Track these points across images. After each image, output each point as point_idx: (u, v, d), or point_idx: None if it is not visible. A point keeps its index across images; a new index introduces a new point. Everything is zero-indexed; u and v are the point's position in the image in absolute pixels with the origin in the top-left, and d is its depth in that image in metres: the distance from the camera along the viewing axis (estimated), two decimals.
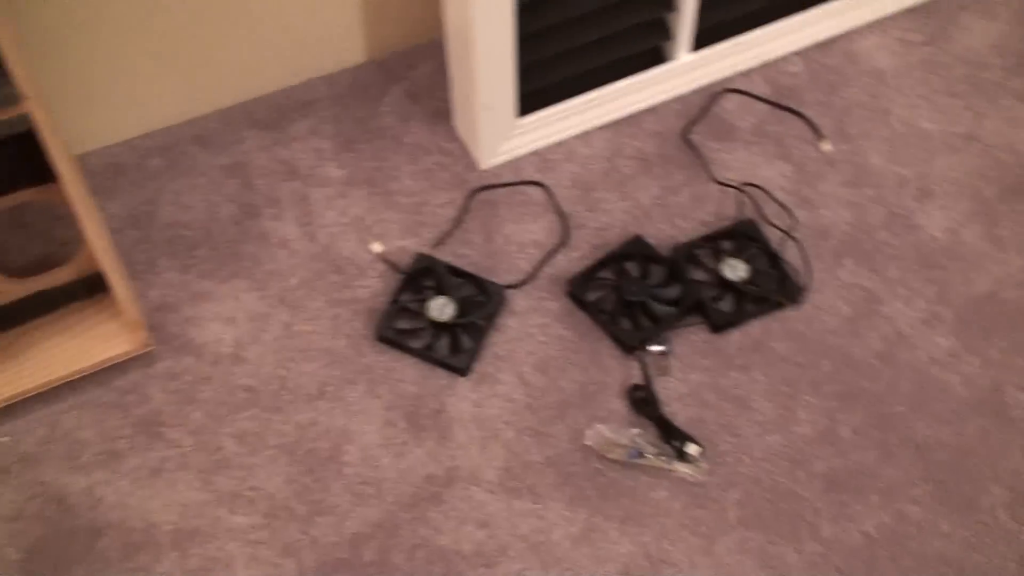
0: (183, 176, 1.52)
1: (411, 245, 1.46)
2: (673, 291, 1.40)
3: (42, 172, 1.26)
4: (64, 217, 1.49)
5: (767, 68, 1.63)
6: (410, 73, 1.64)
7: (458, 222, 1.48)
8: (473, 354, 1.35)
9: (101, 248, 1.25)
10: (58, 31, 1.37)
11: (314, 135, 1.57)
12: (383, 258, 1.45)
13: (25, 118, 1.09)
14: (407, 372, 1.34)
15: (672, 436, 1.28)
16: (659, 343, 1.36)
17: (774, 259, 1.43)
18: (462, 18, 1.34)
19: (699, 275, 1.42)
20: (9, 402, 1.30)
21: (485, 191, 1.51)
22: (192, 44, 1.46)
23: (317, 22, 1.52)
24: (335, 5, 1.51)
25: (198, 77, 1.52)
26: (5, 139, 1.20)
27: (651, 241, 1.44)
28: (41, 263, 1.44)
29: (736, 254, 1.42)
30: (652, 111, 1.60)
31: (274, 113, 1.59)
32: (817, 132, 1.56)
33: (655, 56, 1.58)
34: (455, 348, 1.36)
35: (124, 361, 1.35)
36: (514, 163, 1.53)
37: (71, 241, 1.46)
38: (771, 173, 1.52)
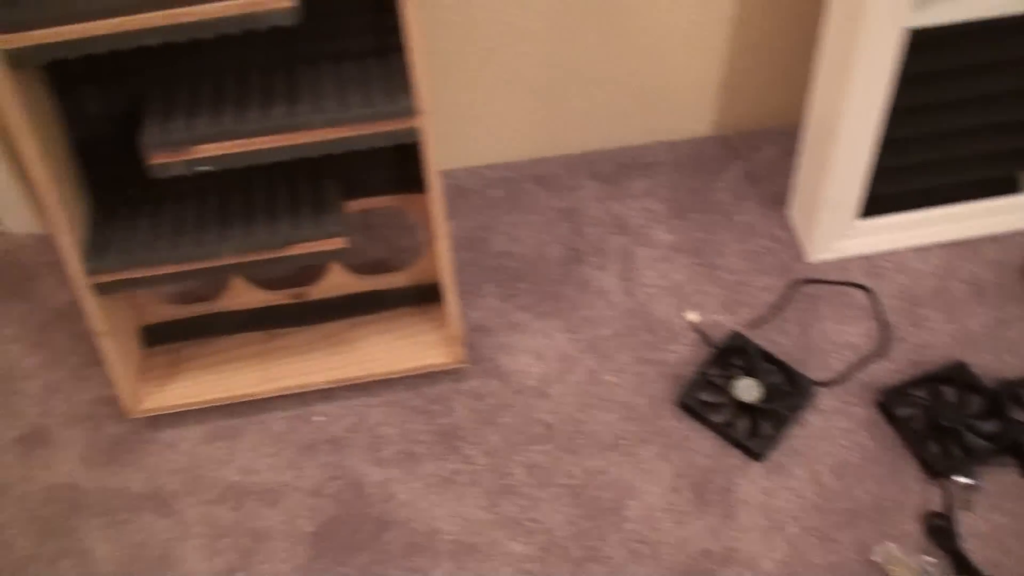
0: (519, 211, 1.59)
1: (726, 321, 1.46)
2: (991, 426, 1.34)
3: (410, 182, 1.36)
4: (407, 227, 1.59)
5: None
6: (753, 154, 1.65)
7: (777, 308, 1.47)
8: (771, 441, 1.34)
9: (443, 263, 1.32)
10: (440, 56, 1.47)
11: (649, 196, 1.60)
12: (697, 328, 1.46)
13: (415, 131, 1.18)
14: (702, 444, 1.34)
15: (967, 574, 1.22)
16: (968, 475, 1.30)
17: None
18: (830, 110, 1.35)
19: (1022, 416, 1.35)
20: (331, 385, 1.40)
21: (809, 284, 1.50)
22: (551, 90, 1.54)
23: (673, 89, 1.57)
24: (695, 76, 1.55)
25: (550, 121, 1.59)
26: (392, 146, 1.29)
27: (975, 370, 1.38)
28: (378, 265, 1.54)
29: None
30: (995, 239, 1.54)
31: (614, 168, 1.64)
32: None
33: (1008, 184, 1.53)
34: (754, 431, 1.35)
35: (437, 372, 1.42)
36: (842, 262, 1.52)
37: (409, 250, 1.56)
38: None
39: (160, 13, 1.04)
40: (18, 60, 1.06)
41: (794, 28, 1.50)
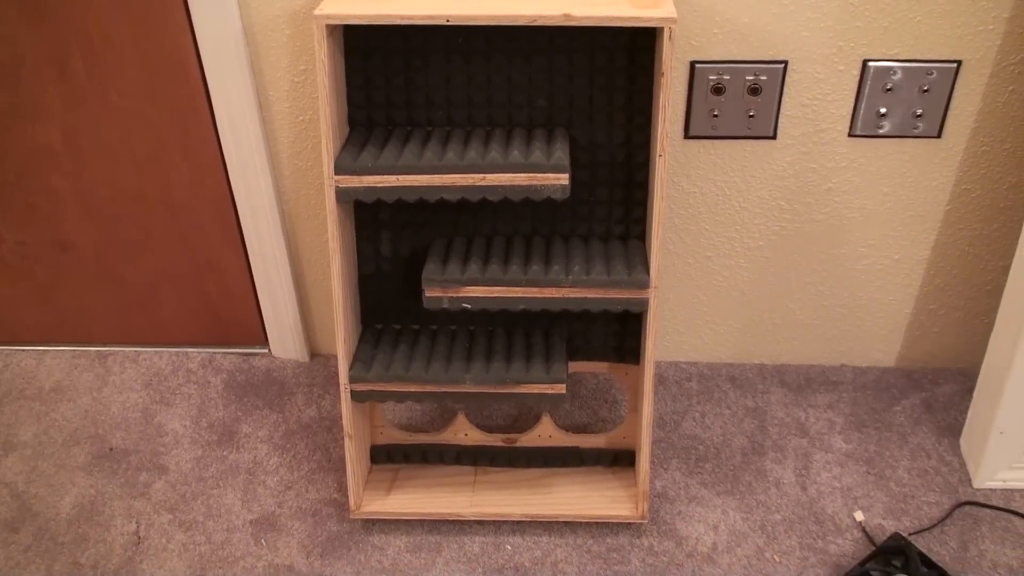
0: (711, 403, 1.79)
1: (889, 526, 1.59)
2: None
3: (625, 353, 1.58)
4: (609, 402, 1.81)
5: None
6: (932, 388, 1.81)
7: (939, 523, 1.59)
8: None
9: (645, 426, 1.52)
10: (663, 256, 1.73)
11: (831, 409, 1.78)
12: (862, 527, 1.59)
13: (645, 302, 1.42)
14: None
15: None
16: None
17: None
18: (1004, 356, 1.51)
19: None
20: (525, 519, 1.59)
21: (972, 506, 1.62)
22: (755, 302, 1.76)
23: (865, 318, 1.76)
24: (886, 309, 1.74)
25: (749, 331, 1.80)
26: (615, 320, 1.53)
27: None
28: (581, 427, 1.76)
29: None
30: None
31: (802, 380, 1.83)
32: None
33: None
34: None
35: (619, 524, 1.60)
36: (1007, 492, 1.63)
37: (607, 420, 1.77)
38: None
39: (465, 176, 1.34)
40: (345, 196, 1.37)
41: (981, 277, 1.69)
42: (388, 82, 1.42)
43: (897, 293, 1.72)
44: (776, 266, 1.69)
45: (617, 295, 1.41)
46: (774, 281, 1.72)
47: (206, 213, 1.70)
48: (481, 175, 1.34)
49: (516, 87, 1.41)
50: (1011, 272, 1.48)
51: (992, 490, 1.64)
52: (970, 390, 1.79)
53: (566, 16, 1.26)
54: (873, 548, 1.55)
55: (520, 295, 1.42)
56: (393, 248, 1.53)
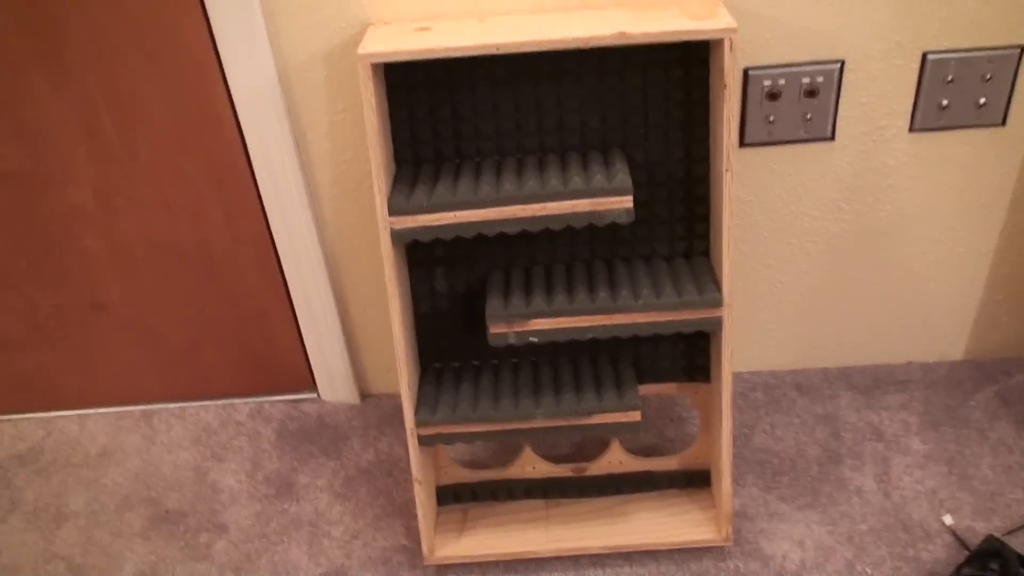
0: (780, 413, 1.74)
1: (981, 528, 1.54)
2: None
3: (695, 372, 1.53)
4: (674, 419, 1.76)
5: None
6: (1004, 379, 1.76)
7: None
8: None
9: (724, 445, 1.47)
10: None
11: (904, 409, 1.72)
12: (952, 531, 1.54)
13: (719, 320, 1.37)
14: None
15: None
16: None
17: None
18: None
19: None
20: (605, 551, 1.54)
21: None
22: (816, 306, 1.71)
23: (930, 312, 1.71)
24: (952, 302, 1.69)
25: (812, 335, 1.75)
26: (683, 340, 1.48)
27: None
28: (650, 450, 1.70)
29: None
30: None
31: (870, 382, 1.78)
32: None
33: None
34: None
35: (701, 549, 1.54)
36: None
37: (675, 440, 1.72)
38: None
39: (525, 207, 1.29)
40: (401, 237, 1.32)
41: None
42: (433, 115, 1.37)
43: (963, 285, 1.67)
44: (837, 267, 1.64)
45: (689, 316, 1.36)
46: (835, 283, 1.67)
47: (246, 261, 1.65)
48: (542, 204, 1.29)
49: (567, 110, 1.36)
50: None
51: None
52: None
53: (621, 35, 1.21)
54: (967, 552, 1.50)
55: (589, 324, 1.37)
56: (448, 284, 1.48)
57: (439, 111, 1.36)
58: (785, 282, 1.67)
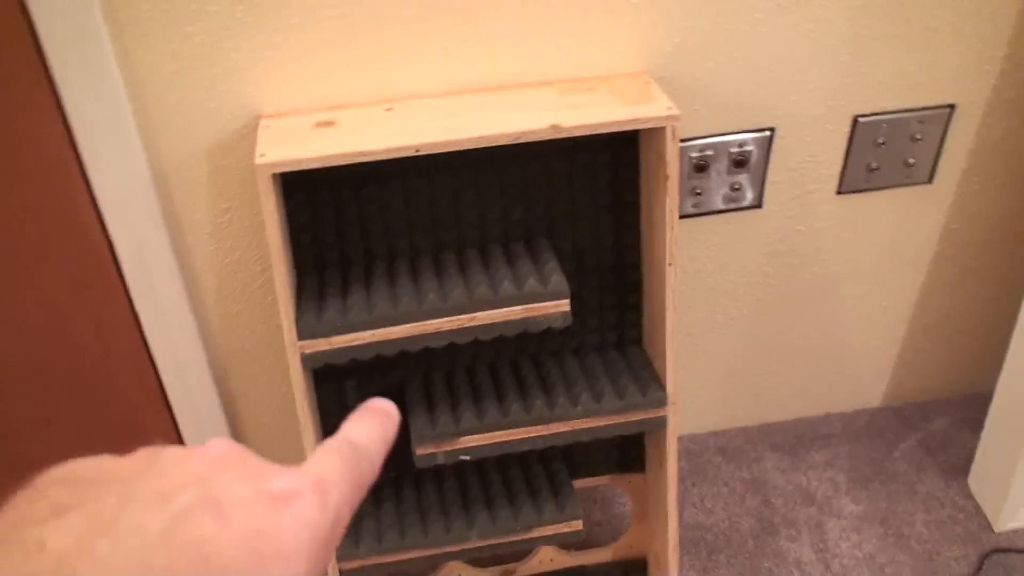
0: (707, 482, 1.65)
1: None
2: None
3: (630, 463, 1.43)
4: (600, 500, 1.65)
5: None
6: (925, 424, 1.72)
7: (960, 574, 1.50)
8: None
9: (671, 535, 1.37)
10: None
11: (830, 467, 1.67)
12: None
13: (664, 420, 1.26)
14: None
15: None
16: None
17: None
18: (1021, 390, 1.43)
19: None
20: None
21: (1001, 553, 1.53)
22: (738, 368, 1.63)
23: (850, 364, 1.66)
24: (873, 352, 1.64)
25: (734, 396, 1.67)
26: (632, 435, 1.37)
27: None
28: (579, 541, 1.59)
29: None
30: None
31: (793, 439, 1.71)
32: None
33: None
34: None
35: None
36: None
37: (605, 522, 1.61)
38: None
39: (452, 319, 1.15)
40: (314, 361, 1.16)
41: (971, 310, 1.60)
42: (338, 215, 1.21)
43: (883, 336, 1.62)
44: (760, 331, 1.56)
45: (633, 418, 1.25)
46: (758, 346, 1.59)
47: (120, 377, 1.45)
48: (470, 315, 1.15)
49: (487, 200, 1.22)
50: None
51: (1015, 531, 1.56)
52: (964, 422, 1.72)
53: (554, 128, 1.08)
54: None
55: (525, 435, 1.24)
56: (360, 397, 1.32)
57: (344, 211, 1.20)
58: (708, 349, 1.58)
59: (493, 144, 1.07)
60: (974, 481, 1.62)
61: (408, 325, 1.15)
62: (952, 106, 1.32)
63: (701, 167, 1.32)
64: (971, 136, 1.36)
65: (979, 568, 1.52)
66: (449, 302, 1.14)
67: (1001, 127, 1.36)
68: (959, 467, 1.66)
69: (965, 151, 1.38)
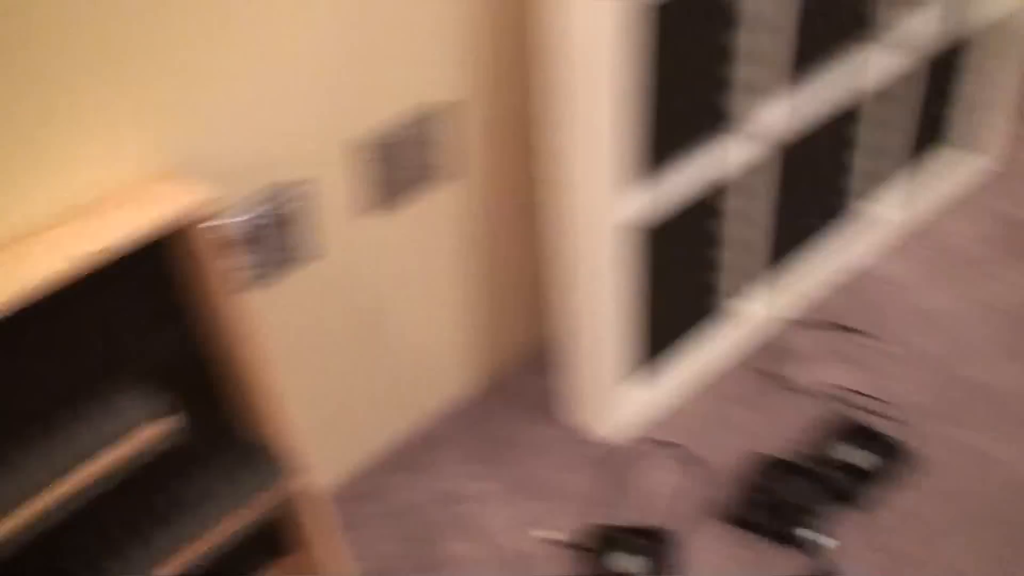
0: (356, 529, 1.68)
1: (574, 523, 1.64)
2: (809, 488, 1.61)
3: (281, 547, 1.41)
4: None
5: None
6: (505, 388, 1.89)
7: (599, 491, 1.68)
8: None
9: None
10: None
11: (458, 464, 1.77)
12: (554, 542, 1.62)
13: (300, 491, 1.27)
14: None
15: None
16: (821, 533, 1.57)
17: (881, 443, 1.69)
18: (572, 322, 1.60)
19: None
20: None
21: (619, 458, 1.72)
22: (343, 408, 1.68)
23: (434, 365, 1.77)
24: (448, 347, 1.77)
25: (345, 435, 1.72)
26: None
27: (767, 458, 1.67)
28: None
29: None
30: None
31: (415, 452, 1.79)
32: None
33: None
34: None
35: None
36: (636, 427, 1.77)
37: None
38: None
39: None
40: None
41: (513, 271, 1.78)
42: None
43: (447, 329, 1.75)
44: (347, 365, 1.63)
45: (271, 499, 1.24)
46: (350, 380, 1.65)
47: None
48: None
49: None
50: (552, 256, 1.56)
51: (611, 435, 1.76)
52: (529, 372, 1.89)
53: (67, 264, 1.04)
54: (581, 552, 1.59)
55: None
56: None
57: None
58: (309, 404, 1.61)
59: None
60: (565, 411, 1.80)
61: None
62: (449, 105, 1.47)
63: (253, 239, 1.33)
64: (478, 131, 1.54)
65: (598, 478, 1.69)
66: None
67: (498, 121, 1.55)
68: (552, 409, 1.83)
69: (479, 146, 1.55)
